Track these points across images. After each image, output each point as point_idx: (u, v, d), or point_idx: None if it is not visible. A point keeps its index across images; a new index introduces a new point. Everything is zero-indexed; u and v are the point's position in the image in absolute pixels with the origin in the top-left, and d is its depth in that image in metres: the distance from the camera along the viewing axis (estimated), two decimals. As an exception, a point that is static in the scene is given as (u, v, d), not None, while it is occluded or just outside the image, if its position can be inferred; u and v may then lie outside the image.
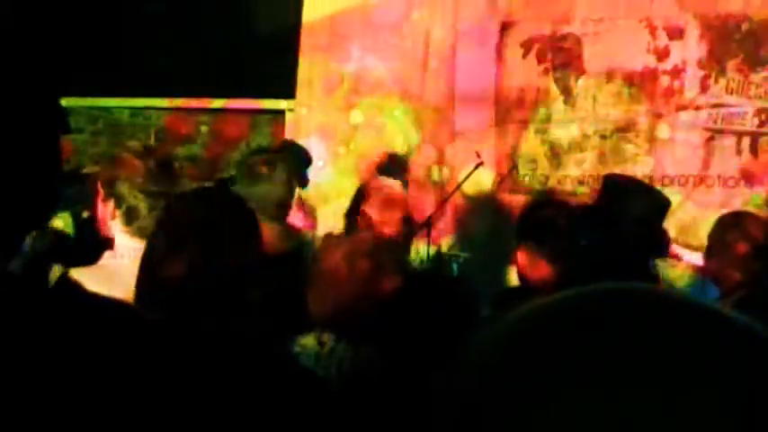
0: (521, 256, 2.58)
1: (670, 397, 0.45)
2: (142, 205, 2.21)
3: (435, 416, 0.52)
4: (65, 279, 2.09)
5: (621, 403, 0.45)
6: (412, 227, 3.82)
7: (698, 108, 5.11)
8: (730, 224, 2.97)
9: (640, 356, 0.47)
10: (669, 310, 0.50)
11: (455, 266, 4.90)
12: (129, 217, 2.22)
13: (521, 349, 0.51)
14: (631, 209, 2.87)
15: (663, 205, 3.04)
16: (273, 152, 3.99)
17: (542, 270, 2.49)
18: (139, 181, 2.22)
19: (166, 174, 2.28)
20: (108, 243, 2.28)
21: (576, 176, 5.35)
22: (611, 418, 0.45)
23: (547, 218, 2.55)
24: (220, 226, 1.58)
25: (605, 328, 0.49)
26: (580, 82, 5.36)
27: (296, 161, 4.16)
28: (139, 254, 2.12)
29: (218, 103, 6.08)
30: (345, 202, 3.72)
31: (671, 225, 3.78)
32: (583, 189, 5.25)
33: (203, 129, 6.24)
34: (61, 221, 3.42)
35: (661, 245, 2.96)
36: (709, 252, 2.97)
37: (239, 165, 2.98)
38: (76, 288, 1.96)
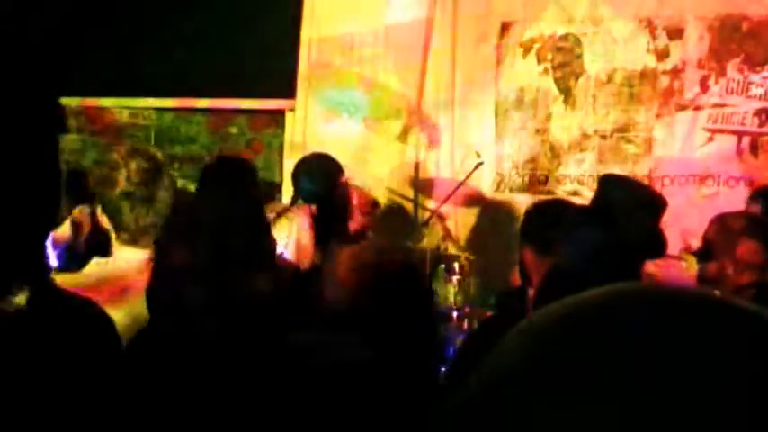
0: (524, 257, 2.58)
1: (681, 398, 0.45)
2: (128, 212, 2.13)
3: (450, 424, 0.52)
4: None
5: (632, 405, 0.46)
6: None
7: (698, 108, 5.11)
8: (727, 225, 2.94)
9: (650, 357, 0.47)
10: (680, 309, 0.50)
11: (455, 266, 4.91)
12: (118, 224, 2.15)
13: (534, 355, 0.51)
14: (627, 209, 2.87)
15: (658, 205, 3.03)
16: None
17: (545, 270, 2.49)
18: (126, 186, 2.12)
19: (155, 176, 2.18)
20: (101, 250, 2.22)
21: (576, 176, 5.35)
22: (624, 421, 0.45)
23: (551, 217, 2.55)
24: (232, 224, 1.58)
25: (616, 331, 0.49)
26: (580, 82, 5.36)
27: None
28: (134, 262, 2.10)
29: (218, 103, 6.08)
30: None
31: (671, 226, 3.78)
32: (583, 189, 5.26)
33: (203, 129, 6.24)
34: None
35: (658, 246, 2.94)
36: (706, 254, 2.94)
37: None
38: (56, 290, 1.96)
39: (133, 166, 2.13)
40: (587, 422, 0.46)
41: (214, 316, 1.53)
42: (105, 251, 2.18)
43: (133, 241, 2.12)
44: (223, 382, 1.47)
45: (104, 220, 2.17)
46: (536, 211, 2.69)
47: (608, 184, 3.11)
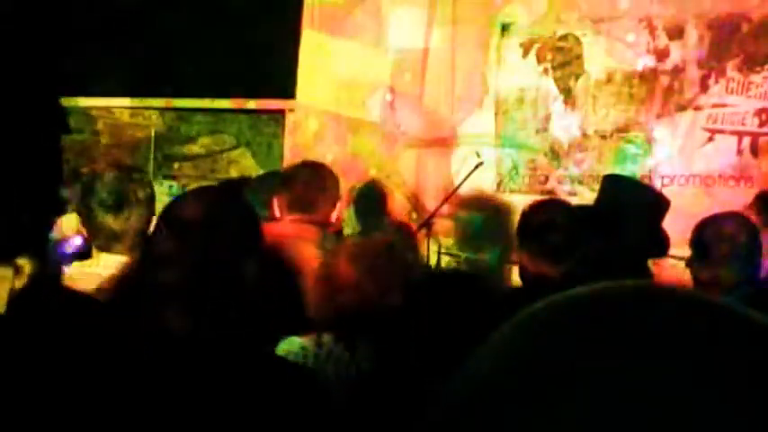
0: (521, 257, 2.57)
1: (671, 398, 0.45)
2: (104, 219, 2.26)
3: (439, 421, 0.52)
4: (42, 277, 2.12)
5: (620, 404, 0.45)
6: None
7: (698, 108, 5.11)
8: (717, 226, 2.92)
9: (640, 355, 0.47)
10: (671, 307, 0.50)
11: (455, 266, 4.91)
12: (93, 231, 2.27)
13: (520, 354, 0.51)
14: (630, 208, 2.86)
15: (661, 205, 3.02)
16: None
17: (543, 270, 2.48)
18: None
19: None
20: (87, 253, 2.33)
21: (576, 176, 5.35)
22: (610, 420, 0.45)
23: (547, 218, 2.54)
24: (222, 225, 1.58)
25: (605, 328, 0.49)
26: (580, 82, 5.35)
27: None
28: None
29: (218, 103, 6.08)
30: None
31: (671, 226, 3.78)
32: (583, 189, 5.25)
33: (203, 129, 6.24)
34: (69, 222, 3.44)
35: (660, 245, 2.94)
36: (698, 255, 2.91)
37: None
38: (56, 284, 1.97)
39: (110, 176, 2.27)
40: (573, 427, 0.45)
41: (205, 315, 1.53)
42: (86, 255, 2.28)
43: (107, 248, 2.23)
44: (212, 384, 1.47)
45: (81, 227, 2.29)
46: (530, 213, 2.68)
47: (611, 185, 3.11)
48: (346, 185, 5.49)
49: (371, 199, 5.46)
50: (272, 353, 1.65)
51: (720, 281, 2.78)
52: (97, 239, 2.25)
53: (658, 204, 3.04)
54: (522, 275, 2.67)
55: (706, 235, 2.85)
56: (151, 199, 2.33)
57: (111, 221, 2.22)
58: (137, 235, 2.25)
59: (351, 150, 5.79)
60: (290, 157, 5.85)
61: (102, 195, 2.24)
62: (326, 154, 5.74)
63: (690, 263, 2.94)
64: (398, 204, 5.46)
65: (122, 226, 2.23)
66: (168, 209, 1.67)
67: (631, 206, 2.86)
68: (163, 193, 5.65)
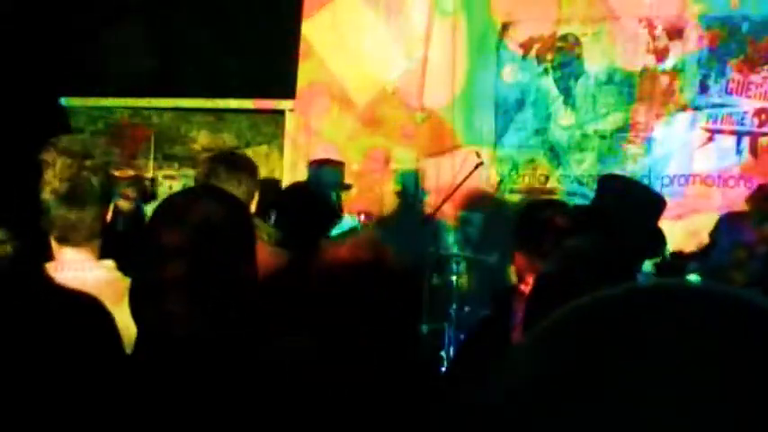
0: (518, 257, 2.57)
1: (670, 398, 0.45)
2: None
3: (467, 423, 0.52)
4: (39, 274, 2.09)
5: (620, 404, 0.45)
6: None
7: (698, 108, 5.11)
8: (732, 224, 2.92)
9: (639, 356, 0.47)
10: (687, 307, 0.50)
11: (455, 266, 4.91)
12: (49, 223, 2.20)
13: (546, 362, 0.50)
14: (626, 209, 2.86)
15: (659, 205, 3.02)
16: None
17: (539, 270, 2.48)
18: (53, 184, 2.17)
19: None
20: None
21: (576, 176, 5.35)
22: (610, 420, 0.45)
23: (545, 219, 2.54)
24: (222, 223, 1.58)
25: (607, 331, 0.49)
26: (580, 82, 5.36)
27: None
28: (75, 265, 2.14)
29: (218, 103, 6.08)
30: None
31: (671, 225, 3.79)
32: (583, 189, 5.26)
33: (203, 129, 6.25)
34: None
35: (656, 245, 2.94)
36: (709, 253, 2.92)
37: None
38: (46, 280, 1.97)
39: (59, 163, 2.17)
40: (574, 427, 0.46)
41: (201, 315, 1.53)
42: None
43: (65, 240, 2.16)
44: (210, 384, 1.47)
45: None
46: (527, 214, 2.67)
47: (607, 185, 3.10)
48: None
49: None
50: (270, 353, 1.66)
51: (732, 282, 2.78)
52: (53, 231, 2.16)
53: (656, 204, 3.04)
54: (518, 275, 2.67)
55: (723, 236, 2.85)
56: (106, 185, 2.25)
57: (66, 212, 2.14)
58: (94, 224, 2.17)
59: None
60: (290, 157, 5.84)
61: (55, 185, 2.14)
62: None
63: (701, 260, 2.95)
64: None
65: (78, 216, 2.15)
66: (169, 206, 1.67)
67: (629, 206, 2.85)
68: (163, 194, 5.65)
